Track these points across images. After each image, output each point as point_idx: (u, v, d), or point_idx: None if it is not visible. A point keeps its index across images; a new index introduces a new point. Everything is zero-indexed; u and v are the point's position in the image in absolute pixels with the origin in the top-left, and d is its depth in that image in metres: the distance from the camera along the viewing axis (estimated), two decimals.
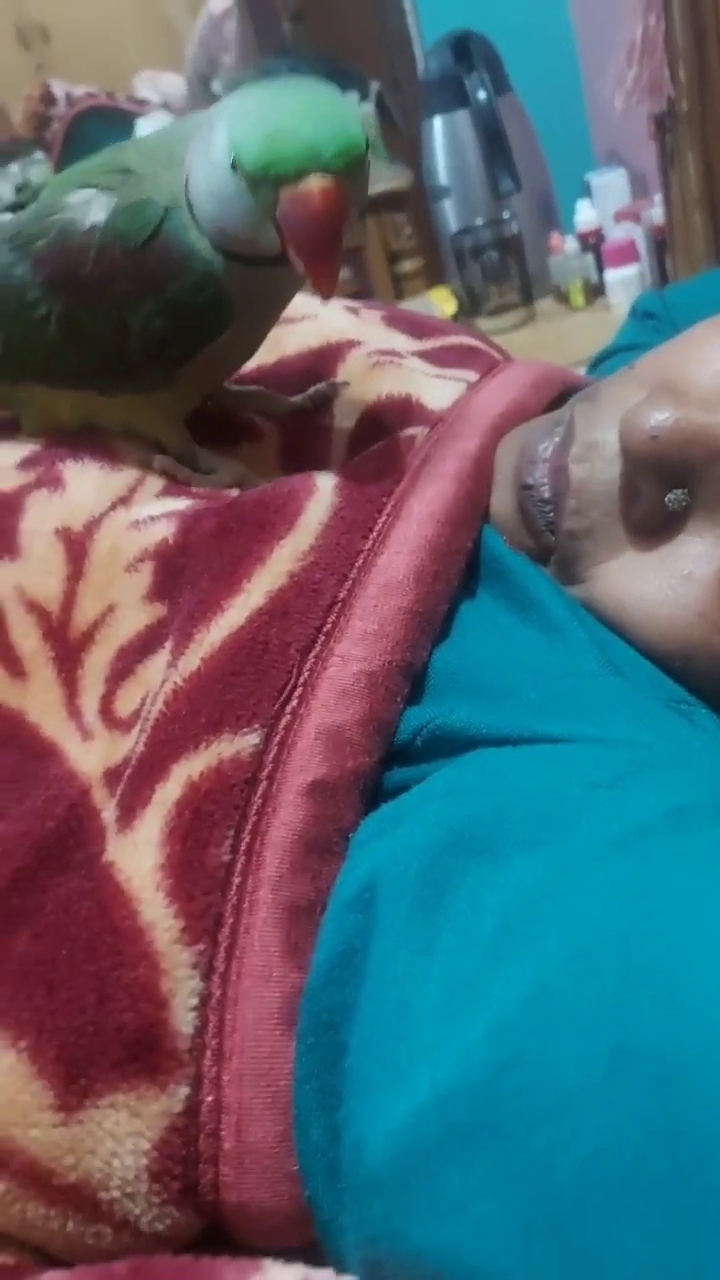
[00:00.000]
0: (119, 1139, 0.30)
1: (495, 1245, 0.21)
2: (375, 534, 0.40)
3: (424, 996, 0.26)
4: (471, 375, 0.54)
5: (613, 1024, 0.22)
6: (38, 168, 2.26)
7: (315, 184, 0.35)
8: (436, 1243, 0.22)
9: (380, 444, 0.46)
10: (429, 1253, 0.22)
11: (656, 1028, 0.21)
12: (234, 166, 0.37)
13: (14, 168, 2.23)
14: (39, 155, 2.32)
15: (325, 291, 0.38)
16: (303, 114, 0.36)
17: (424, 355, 0.57)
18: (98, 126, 2.52)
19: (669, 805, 0.28)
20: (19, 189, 2.14)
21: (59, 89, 2.56)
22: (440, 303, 1.80)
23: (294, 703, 0.35)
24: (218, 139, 0.38)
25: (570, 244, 1.74)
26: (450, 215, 1.81)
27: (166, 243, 0.40)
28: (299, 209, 0.36)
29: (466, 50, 1.71)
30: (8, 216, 0.47)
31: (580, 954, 0.23)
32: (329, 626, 0.36)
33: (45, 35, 3.13)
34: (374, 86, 2.19)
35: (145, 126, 2.10)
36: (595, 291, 1.73)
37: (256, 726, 0.34)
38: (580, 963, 0.23)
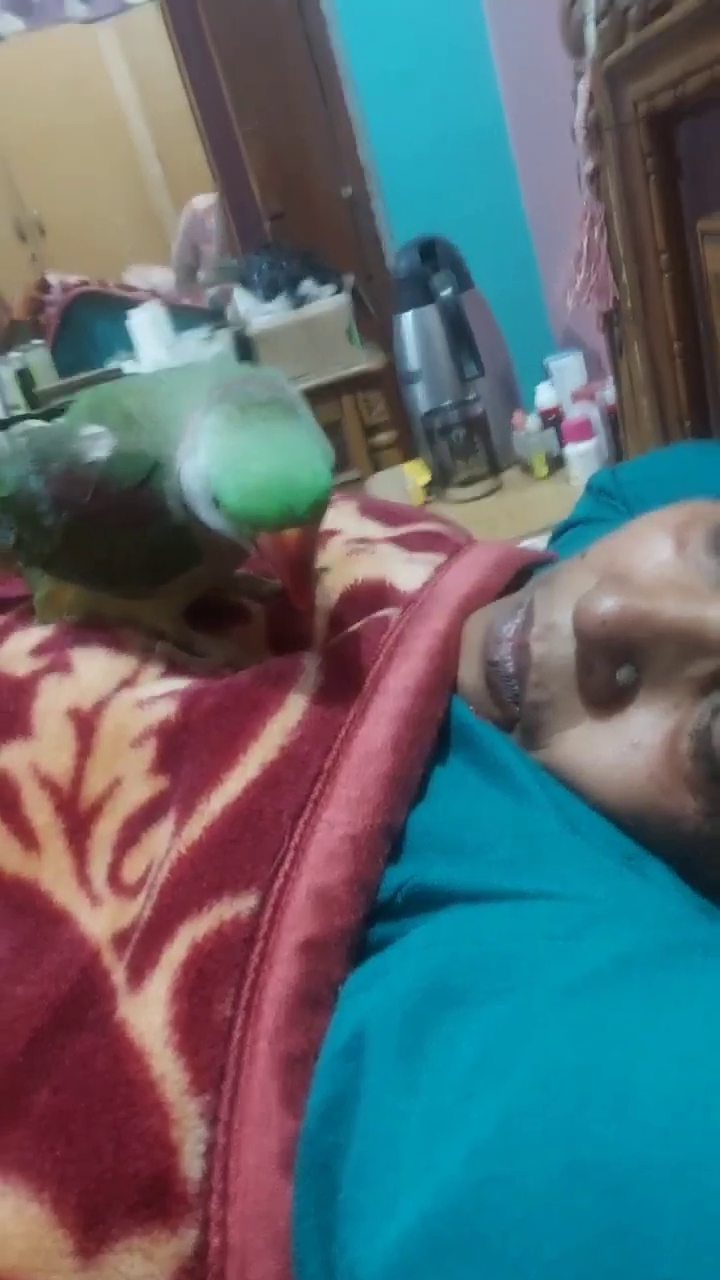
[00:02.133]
0: None
1: None
2: (356, 708, 0.43)
3: (408, 1133, 0.28)
4: (439, 558, 0.58)
5: (569, 1143, 0.24)
6: (36, 353, 2.40)
7: (291, 535, 0.40)
8: None
9: (358, 624, 0.50)
10: None
11: (606, 1144, 0.24)
12: (215, 502, 0.41)
13: (14, 354, 2.38)
14: (36, 342, 2.47)
15: (304, 610, 0.43)
16: (278, 470, 0.40)
17: (395, 541, 0.61)
18: (90, 312, 2.68)
19: (615, 954, 0.31)
20: (20, 373, 2.27)
21: (54, 278, 2.73)
22: (414, 475, 1.90)
23: (286, 866, 0.37)
24: (200, 462, 0.42)
25: (532, 421, 1.84)
26: (421, 397, 1.93)
27: (151, 493, 0.44)
28: (277, 552, 0.41)
29: (432, 252, 1.87)
30: (37, 424, 0.52)
31: (540, 1086, 0.26)
32: (316, 794, 0.40)
33: (41, 229, 3.26)
34: (348, 279, 2.36)
35: (138, 317, 2.23)
36: (557, 463, 1.82)
37: (254, 889, 0.37)
38: (540, 1093, 0.26)
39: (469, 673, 0.49)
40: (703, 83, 0.96)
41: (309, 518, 0.40)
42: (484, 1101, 0.27)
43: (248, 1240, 0.31)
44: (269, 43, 2.33)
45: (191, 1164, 0.32)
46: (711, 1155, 0.22)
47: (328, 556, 0.57)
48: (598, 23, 1.14)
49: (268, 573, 0.56)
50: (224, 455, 0.41)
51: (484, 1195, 0.25)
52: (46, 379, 2.46)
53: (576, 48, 1.20)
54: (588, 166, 1.25)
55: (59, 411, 0.52)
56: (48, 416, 0.53)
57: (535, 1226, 0.23)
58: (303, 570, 0.42)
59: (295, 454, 0.40)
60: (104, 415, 0.46)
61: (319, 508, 0.40)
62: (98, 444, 0.45)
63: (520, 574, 0.58)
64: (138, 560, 0.46)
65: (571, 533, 0.75)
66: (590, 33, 1.15)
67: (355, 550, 0.57)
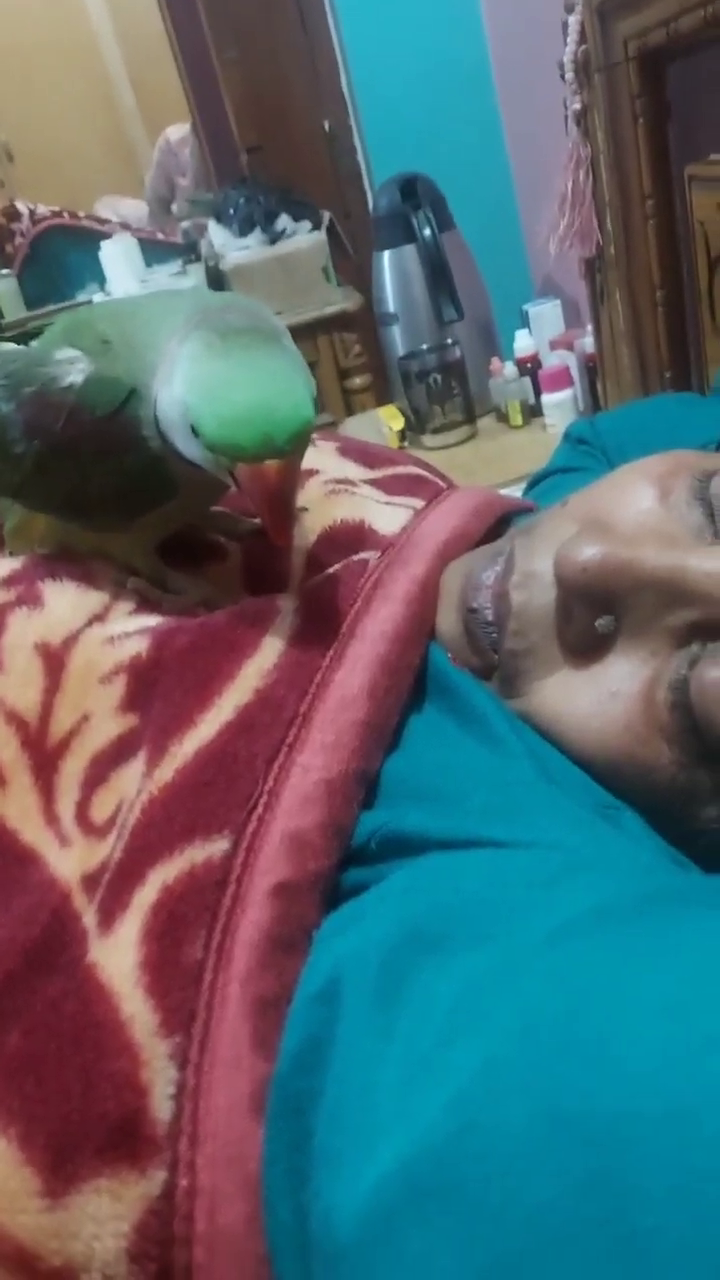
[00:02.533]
0: (101, 1222, 0.31)
1: None
2: (332, 652, 0.43)
3: (385, 1078, 0.28)
4: (418, 502, 0.58)
5: (551, 1091, 0.24)
6: (2, 283, 2.34)
7: (271, 466, 0.38)
8: None
9: (336, 567, 0.50)
10: None
11: (586, 1093, 0.24)
12: (193, 431, 0.39)
13: None
14: (4, 271, 2.40)
15: (282, 546, 0.41)
16: (258, 399, 0.38)
17: (375, 483, 0.60)
18: (61, 243, 2.61)
19: (594, 902, 0.31)
20: None
21: (22, 206, 2.65)
22: (389, 420, 1.88)
23: (260, 810, 0.37)
24: (177, 390, 0.40)
25: (509, 369, 1.83)
26: (398, 340, 1.91)
27: (126, 420, 0.43)
28: (255, 485, 0.39)
29: (413, 190, 1.83)
30: (10, 347, 0.51)
31: (522, 1033, 0.26)
32: (291, 738, 0.39)
33: (9, 155, 3.20)
34: (326, 216, 2.31)
35: (110, 249, 2.18)
36: (532, 412, 1.82)
37: (226, 833, 0.37)
38: (522, 1040, 0.26)
39: (447, 620, 0.49)
40: (696, 21, 0.94)
41: (290, 449, 0.39)
42: (464, 1048, 0.27)
43: (217, 1183, 0.31)
44: None
45: (161, 1105, 0.32)
46: (693, 1104, 0.22)
47: (306, 496, 0.57)
48: None
49: (245, 510, 0.56)
50: (203, 383, 0.40)
51: (464, 1141, 0.25)
52: (13, 309, 2.39)
53: None
54: (575, 106, 1.22)
55: (33, 336, 0.50)
56: (20, 341, 0.51)
57: (516, 1173, 0.23)
58: (282, 505, 0.40)
59: (276, 383, 0.39)
60: (80, 340, 0.45)
61: (300, 439, 0.39)
62: (73, 368, 0.44)
63: (499, 521, 0.58)
64: (111, 492, 0.45)
65: (549, 481, 0.75)
66: None
67: (334, 491, 0.57)
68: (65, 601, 0.47)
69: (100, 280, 2.38)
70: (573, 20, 1.17)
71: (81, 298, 2.42)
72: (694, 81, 1.09)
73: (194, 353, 0.41)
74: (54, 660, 0.44)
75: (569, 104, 1.23)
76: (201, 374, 0.40)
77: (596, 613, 0.43)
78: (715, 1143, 0.22)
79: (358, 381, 2.18)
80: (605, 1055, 0.24)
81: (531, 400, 1.81)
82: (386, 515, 0.55)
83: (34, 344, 0.49)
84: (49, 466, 0.45)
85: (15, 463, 0.46)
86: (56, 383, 0.44)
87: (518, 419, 1.81)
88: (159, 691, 0.42)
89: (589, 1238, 0.22)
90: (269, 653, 0.42)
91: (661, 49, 1.05)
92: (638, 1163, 0.22)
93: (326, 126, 2.37)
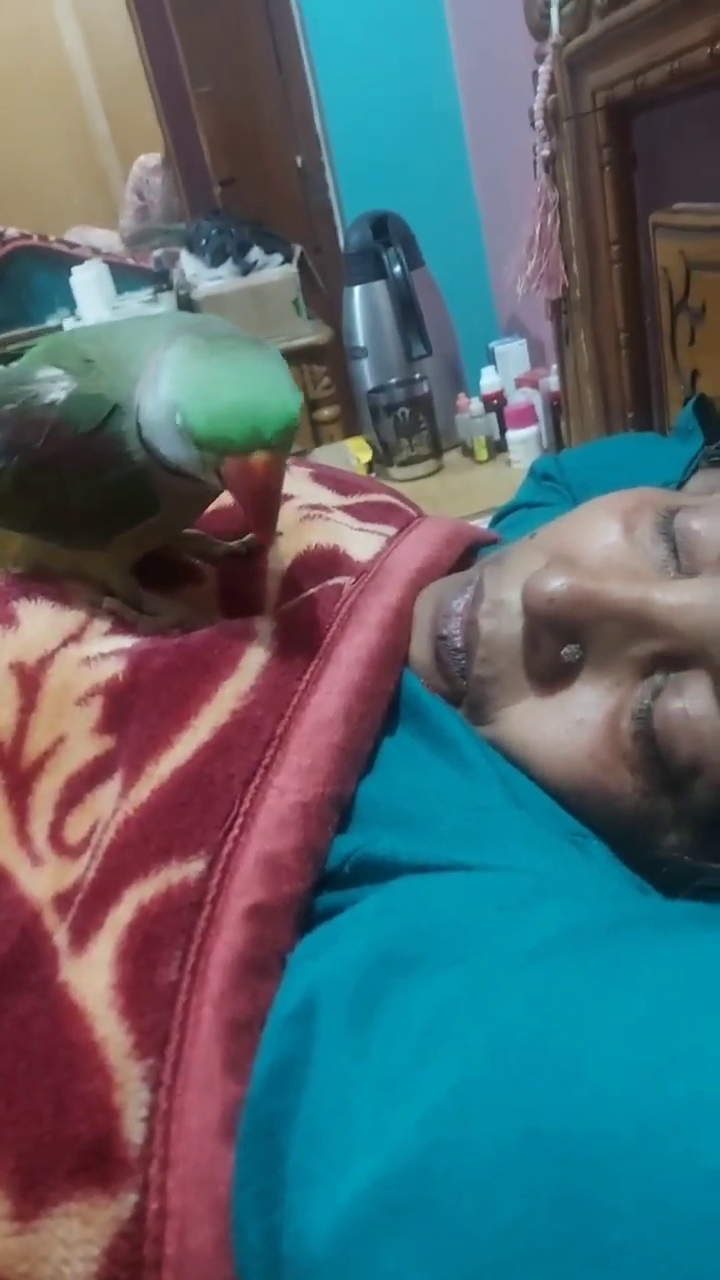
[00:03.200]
0: (71, 1246, 0.30)
1: None
2: (308, 676, 0.43)
3: (359, 1098, 0.28)
4: (390, 530, 0.59)
5: (523, 1111, 0.25)
6: None
7: (258, 460, 0.39)
8: None
9: (311, 591, 0.50)
10: None
11: (559, 1112, 0.24)
12: (181, 430, 0.40)
13: None
14: None
15: (265, 542, 0.42)
16: (246, 394, 0.39)
17: (348, 510, 0.61)
18: (29, 266, 2.61)
19: (566, 925, 0.31)
20: None
21: None
22: (357, 451, 1.90)
23: (236, 831, 0.37)
24: (163, 392, 0.41)
25: (475, 404, 1.86)
26: (367, 373, 1.93)
27: (109, 436, 0.44)
28: (243, 480, 0.40)
29: (384, 227, 1.86)
30: None
31: (495, 1053, 0.26)
32: (268, 760, 0.39)
33: None
34: (297, 249, 2.34)
35: (81, 274, 2.19)
36: (497, 448, 1.84)
37: (203, 853, 0.37)
38: (495, 1060, 0.26)
39: (418, 647, 0.50)
40: (663, 76, 0.97)
41: (277, 444, 0.39)
42: (437, 1067, 0.27)
43: (188, 1205, 0.31)
44: (225, 3, 2.28)
45: (133, 1128, 0.32)
46: (662, 1122, 0.23)
47: (282, 521, 0.57)
48: (562, 6, 1.14)
49: (220, 533, 0.56)
50: (190, 382, 0.40)
51: (436, 1159, 0.25)
52: None
53: (539, 30, 1.20)
54: (544, 152, 1.25)
55: (12, 357, 0.50)
56: (3, 362, 0.51)
57: (487, 1191, 0.24)
58: (268, 499, 0.41)
59: (262, 380, 0.40)
60: (61, 360, 0.46)
61: (287, 435, 0.39)
62: (55, 386, 0.44)
63: (467, 551, 0.59)
64: (92, 508, 0.45)
65: (514, 515, 0.76)
66: (554, 16, 1.16)
67: (309, 516, 0.57)
68: (40, 621, 0.47)
69: (70, 306, 2.38)
70: (543, 70, 1.20)
71: (51, 322, 2.42)
72: (659, 132, 1.12)
73: (179, 356, 0.41)
74: (29, 680, 0.44)
75: (538, 150, 1.27)
76: (189, 374, 0.40)
77: (563, 642, 0.44)
78: (684, 1159, 0.22)
79: (326, 413, 2.20)
80: (576, 1075, 0.25)
81: (496, 436, 1.83)
82: (360, 541, 0.56)
83: (14, 365, 0.49)
84: (29, 483, 0.46)
85: None
86: (39, 400, 0.44)
87: (483, 454, 1.83)
88: (135, 713, 0.42)
89: (560, 1253, 0.22)
90: (246, 675, 0.43)
91: (628, 100, 1.08)
92: (608, 1180, 0.22)
93: (299, 162, 2.40)
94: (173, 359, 0.41)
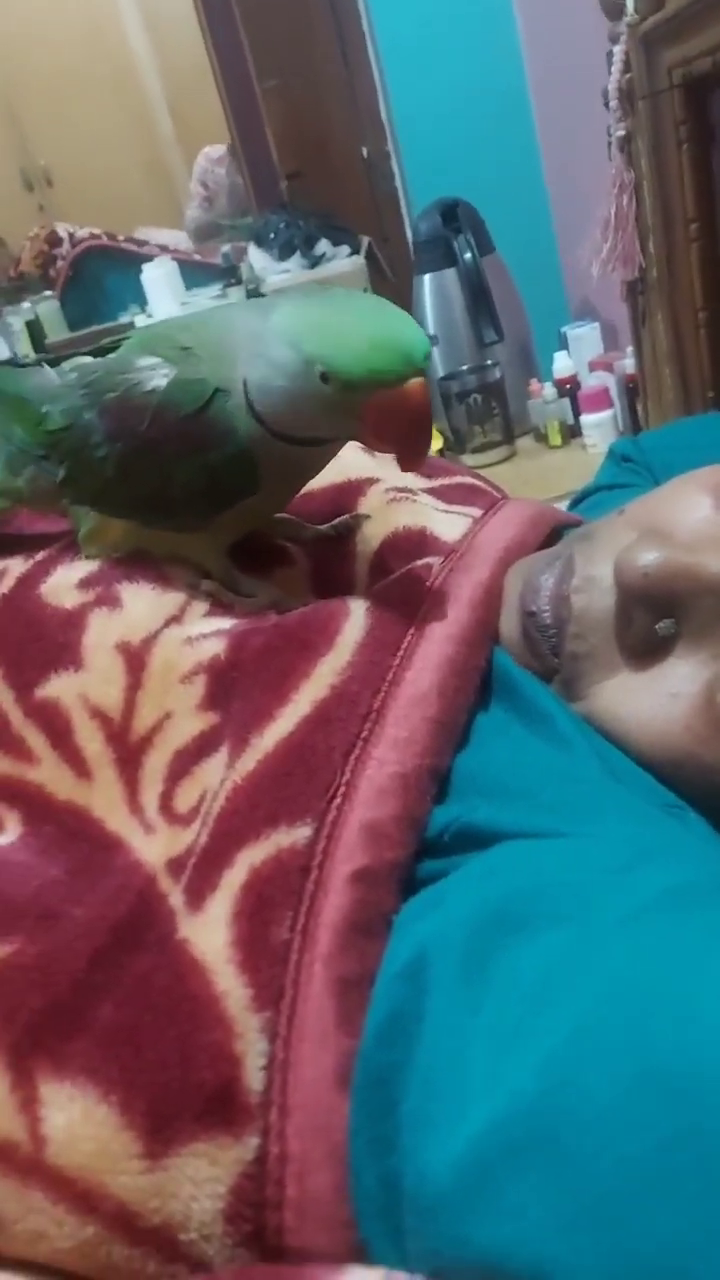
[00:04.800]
0: (198, 1184, 0.32)
1: (546, 1238, 0.24)
2: (402, 652, 0.44)
3: (474, 1048, 0.29)
4: (475, 511, 0.59)
5: (640, 1052, 0.26)
6: (45, 304, 2.38)
7: (414, 384, 0.40)
8: (496, 1241, 0.25)
9: (401, 572, 0.51)
10: (490, 1251, 0.25)
11: (675, 1052, 0.25)
12: (323, 378, 0.41)
13: (25, 304, 2.36)
14: (48, 293, 2.45)
15: (416, 469, 0.44)
16: (380, 327, 0.40)
17: (433, 492, 0.61)
18: (101, 265, 2.66)
19: (671, 885, 0.32)
20: (29, 324, 2.26)
21: (63, 230, 2.70)
22: None
23: (338, 800, 0.38)
24: (282, 356, 0.42)
25: (548, 390, 1.85)
26: (438, 361, 1.92)
27: (212, 417, 0.45)
28: (401, 408, 0.40)
29: (454, 215, 1.85)
30: (88, 360, 0.53)
31: (609, 999, 0.27)
32: (366, 733, 0.40)
33: (49, 180, 3.25)
34: (364, 240, 2.34)
35: (151, 271, 2.22)
36: (571, 432, 1.83)
37: (309, 820, 0.38)
38: (610, 1006, 0.27)
39: (508, 623, 0.50)
40: None
41: (425, 366, 0.40)
42: (552, 1016, 0.28)
43: (306, 1151, 0.32)
44: None
45: (253, 1076, 0.33)
46: None
47: (368, 504, 0.58)
48: None
49: (310, 517, 0.57)
50: (319, 333, 0.41)
51: (556, 1100, 0.26)
52: (56, 331, 2.44)
53: (614, 11, 1.18)
54: (619, 132, 1.24)
55: (105, 351, 0.52)
56: (96, 355, 0.53)
57: (608, 1128, 0.25)
58: (426, 424, 0.42)
59: (384, 311, 0.41)
60: (157, 349, 0.47)
61: (428, 358, 0.41)
62: (156, 373, 0.46)
63: (553, 533, 0.59)
64: (194, 489, 0.47)
65: (595, 498, 0.75)
66: None
67: (396, 499, 0.58)
68: (143, 603, 0.48)
69: (141, 302, 2.42)
70: (618, 50, 1.19)
71: (123, 319, 2.46)
72: None
73: (290, 318, 0.42)
74: (135, 659, 0.45)
75: (613, 130, 1.25)
76: (312, 327, 0.41)
77: (657, 616, 0.44)
78: None
79: None
80: (689, 1016, 0.25)
81: (570, 421, 1.82)
82: (446, 523, 0.56)
83: (110, 356, 0.50)
84: (132, 468, 0.47)
85: (97, 468, 0.48)
86: (140, 387, 0.46)
87: (556, 439, 1.82)
88: (238, 690, 0.43)
89: (679, 1183, 0.23)
90: (342, 652, 0.44)
91: (706, 76, 1.06)
92: None
93: (365, 153, 2.41)
94: (282, 325, 0.42)
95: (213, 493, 0.47)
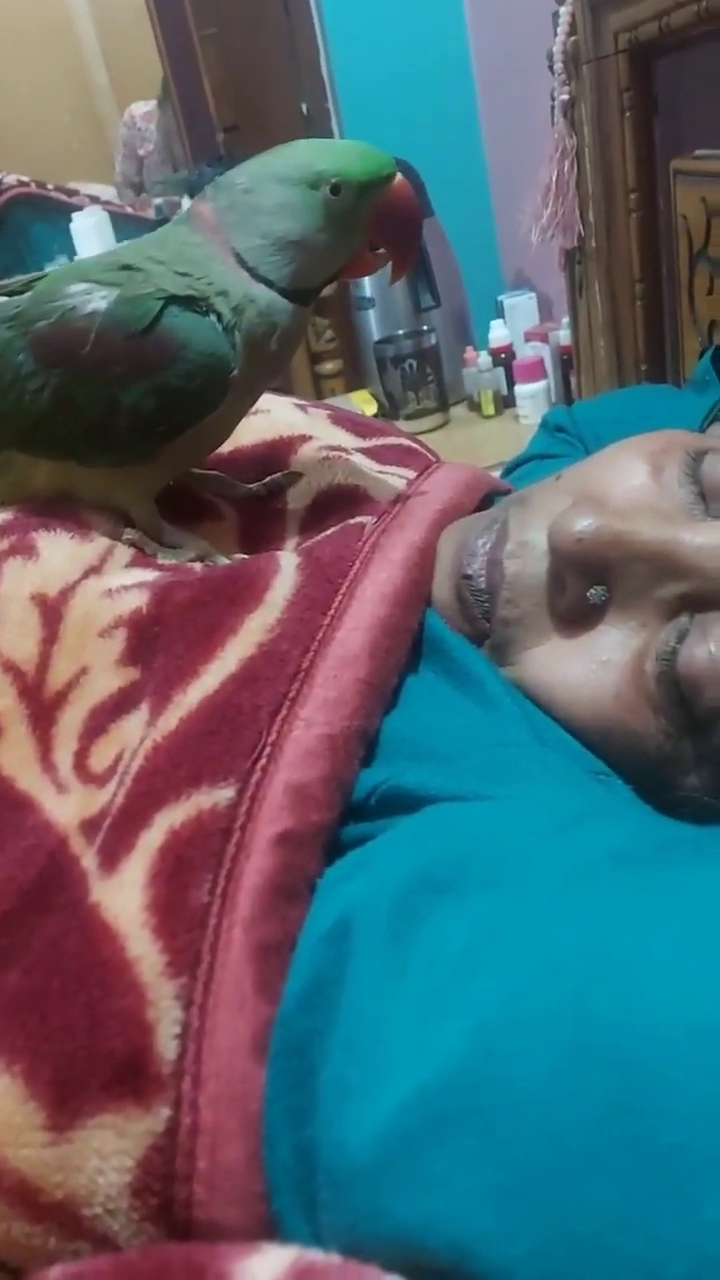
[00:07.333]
0: (105, 1157, 0.31)
1: (472, 1211, 0.24)
2: (333, 611, 0.43)
3: (398, 1013, 0.29)
4: (409, 473, 0.58)
5: (576, 1021, 0.25)
6: None
7: (402, 180, 0.46)
8: (418, 1215, 0.24)
9: (333, 530, 0.50)
10: (410, 1225, 0.24)
11: (612, 1022, 0.25)
12: (334, 191, 0.45)
13: None
14: None
15: (406, 272, 0.49)
16: (351, 144, 0.46)
17: (367, 452, 0.61)
18: (27, 214, 2.57)
19: (607, 848, 0.32)
20: None
21: None
22: (362, 405, 1.88)
23: (264, 761, 0.37)
24: (275, 196, 0.46)
25: (483, 358, 1.84)
26: (373, 325, 1.90)
27: (165, 331, 0.44)
28: (401, 202, 0.47)
29: None
30: (2, 299, 0.51)
31: (546, 967, 0.27)
32: (294, 693, 0.39)
33: None
34: None
35: (81, 221, 2.15)
36: (505, 402, 1.83)
37: (231, 781, 0.37)
38: (546, 973, 0.27)
39: (441, 586, 0.49)
40: (689, 17, 0.95)
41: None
42: (483, 982, 0.27)
43: (219, 1122, 0.31)
44: None
45: (166, 1044, 0.32)
46: (717, 1029, 0.23)
47: (301, 460, 0.57)
48: None
49: (240, 475, 0.56)
50: (321, 152, 0.46)
51: (488, 1069, 0.25)
52: None
53: None
54: (563, 96, 1.23)
55: (18, 291, 0.49)
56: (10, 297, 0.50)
57: (542, 1097, 0.24)
58: (420, 217, 0.50)
59: (339, 140, 0.47)
60: (88, 276, 0.46)
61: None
62: (93, 296, 0.45)
63: (486, 498, 0.58)
64: (144, 412, 0.45)
65: (527, 467, 0.76)
66: None
67: (329, 456, 0.57)
68: (60, 552, 0.46)
69: (69, 254, 2.34)
70: (564, 11, 1.18)
71: (50, 270, 2.39)
72: (682, 76, 1.09)
73: (263, 172, 0.47)
74: (51, 611, 0.44)
75: (556, 95, 1.24)
76: (315, 151, 0.46)
77: (589, 583, 0.44)
78: None
79: (329, 366, 2.17)
80: (628, 986, 0.25)
81: (504, 391, 1.82)
82: (380, 483, 0.56)
83: (25, 295, 0.48)
84: (72, 398, 0.46)
85: (30, 401, 0.46)
86: (77, 311, 0.45)
87: (490, 409, 1.82)
88: (161, 645, 0.42)
89: (614, 1155, 0.23)
90: (271, 609, 0.42)
91: (652, 43, 1.05)
92: (661, 1085, 0.23)
93: (304, 109, 2.36)
94: (276, 168, 0.46)
95: (165, 415, 0.46)
